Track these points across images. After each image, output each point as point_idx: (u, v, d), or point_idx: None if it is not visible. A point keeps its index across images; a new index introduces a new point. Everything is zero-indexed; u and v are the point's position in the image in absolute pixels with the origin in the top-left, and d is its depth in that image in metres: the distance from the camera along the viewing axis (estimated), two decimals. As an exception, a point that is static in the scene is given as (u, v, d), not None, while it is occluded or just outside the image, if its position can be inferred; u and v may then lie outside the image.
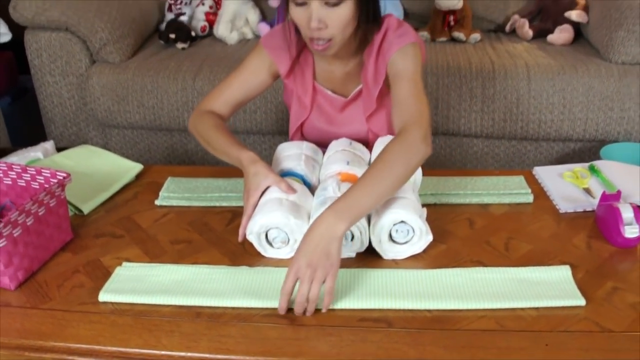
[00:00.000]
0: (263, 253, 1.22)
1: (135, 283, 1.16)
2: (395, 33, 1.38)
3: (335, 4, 1.25)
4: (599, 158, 2.04)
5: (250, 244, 1.23)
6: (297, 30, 1.37)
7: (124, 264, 1.22)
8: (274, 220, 1.18)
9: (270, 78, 1.49)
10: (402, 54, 1.36)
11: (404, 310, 1.07)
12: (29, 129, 2.78)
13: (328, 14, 1.26)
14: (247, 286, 1.13)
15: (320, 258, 1.04)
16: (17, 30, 2.38)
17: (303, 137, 1.56)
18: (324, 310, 1.05)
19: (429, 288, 1.11)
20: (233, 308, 1.08)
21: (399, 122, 1.26)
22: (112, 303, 1.11)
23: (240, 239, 1.24)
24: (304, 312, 1.05)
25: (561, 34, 2.46)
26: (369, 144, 1.47)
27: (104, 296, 1.12)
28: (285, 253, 1.21)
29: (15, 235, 1.13)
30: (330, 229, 1.07)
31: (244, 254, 1.23)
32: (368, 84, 1.43)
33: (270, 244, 1.22)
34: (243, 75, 1.48)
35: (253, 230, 1.20)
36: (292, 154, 1.39)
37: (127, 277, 1.18)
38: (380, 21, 1.40)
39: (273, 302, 1.07)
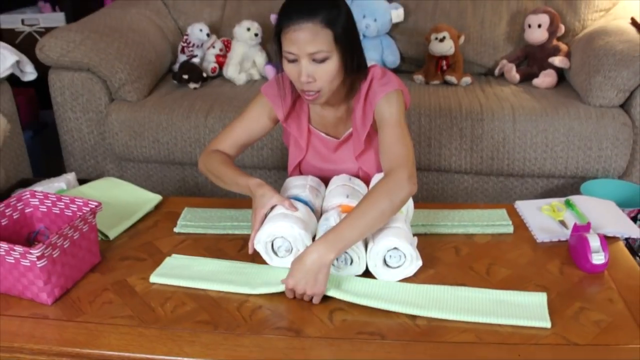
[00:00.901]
0: (269, 262, 1.37)
1: (182, 270, 1.37)
2: (380, 82, 1.50)
3: (322, 61, 1.37)
4: (580, 193, 2.15)
5: (260, 262, 1.38)
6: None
7: (173, 255, 1.43)
8: (280, 230, 1.33)
9: (270, 122, 1.62)
10: (387, 100, 1.47)
11: (395, 324, 1.20)
12: (48, 161, 2.87)
13: (316, 69, 1.38)
14: (270, 279, 1.33)
15: (308, 282, 1.24)
16: (40, 68, 2.46)
17: (301, 174, 1.68)
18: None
19: (417, 299, 1.26)
20: (247, 321, 1.22)
21: (387, 165, 1.39)
22: (159, 286, 1.34)
23: (250, 251, 1.40)
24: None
25: (545, 78, 2.56)
26: (361, 180, 1.61)
27: (154, 279, 1.34)
28: (289, 262, 1.32)
29: (54, 256, 1.27)
30: (322, 257, 1.24)
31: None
32: (357, 127, 1.55)
33: (275, 253, 1.36)
34: (246, 121, 1.61)
35: (261, 239, 1.35)
36: (299, 184, 1.53)
37: (173, 265, 1.39)
38: (367, 71, 1.51)
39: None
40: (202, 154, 1.61)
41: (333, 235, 1.26)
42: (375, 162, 1.60)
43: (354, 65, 1.45)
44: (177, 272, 1.36)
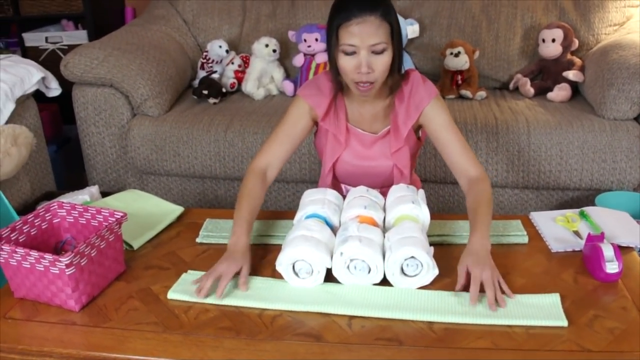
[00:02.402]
0: (290, 283, 1.39)
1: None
2: (424, 86, 1.62)
3: (381, 52, 1.48)
4: (594, 205, 2.14)
5: (280, 275, 1.40)
6: (332, 80, 1.62)
7: (189, 271, 1.44)
8: (301, 253, 1.36)
9: (310, 122, 1.67)
10: (436, 105, 1.61)
11: (413, 330, 1.23)
12: (71, 175, 2.94)
13: (375, 60, 1.48)
14: (290, 295, 1.35)
15: (488, 266, 1.33)
16: (63, 84, 2.52)
17: (335, 173, 1.73)
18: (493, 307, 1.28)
19: (433, 305, 1.29)
20: (268, 327, 1.25)
21: (464, 165, 1.58)
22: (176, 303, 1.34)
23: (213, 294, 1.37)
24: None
25: (560, 92, 2.58)
26: (393, 178, 1.69)
27: (172, 295, 1.36)
28: (310, 283, 1.38)
29: (82, 264, 1.31)
30: (484, 245, 1.38)
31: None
32: (398, 124, 1.64)
33: (296, 274, 1.39)
34: (287, 126, 1.66)
35: (282, 262, 1.38)
36: (316, 198, 1.56)
37: (190, 281, 1.40)
38: (405, 74, 1.64)
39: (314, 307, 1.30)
40: (247, 170, 1.64)
41: (481, 229, 1.41)
42: (408, 159, 1.68)
43: (400, 60, 1.56)
44: (195, 288, 1.37)
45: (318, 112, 1.65)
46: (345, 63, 1.50)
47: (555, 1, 2.84)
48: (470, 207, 1.50)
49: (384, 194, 1.66)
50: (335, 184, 1.78)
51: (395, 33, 1.50)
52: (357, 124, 1.69)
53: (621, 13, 2.78)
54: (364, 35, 1.45)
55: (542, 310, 1.27)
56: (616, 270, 1.36)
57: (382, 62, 1.49)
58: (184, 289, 1.37)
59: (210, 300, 1.33)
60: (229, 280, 1.36)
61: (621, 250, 1.42)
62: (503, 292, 1.31)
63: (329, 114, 1.66)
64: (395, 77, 1.60)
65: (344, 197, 1.64)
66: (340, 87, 1.63)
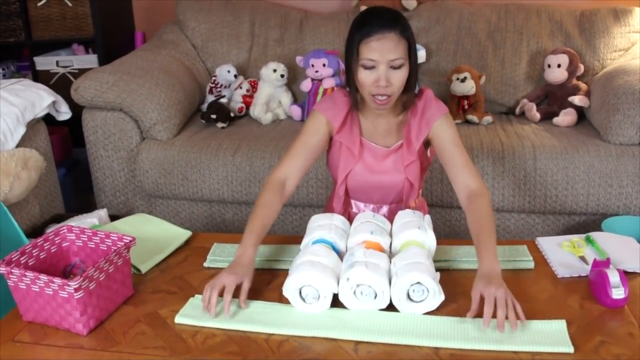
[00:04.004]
0: (297, 308, 1.39)
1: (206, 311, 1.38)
2: (437, 103, 1.69)
3: (399, 67, 1.55)
4: (601, 230, 2.16)
5: (287, 300, 1.40)
6: (347, 95, 1.69)
7: (196, 295, 1.44)
8: (308, 279, 1.36)
9: (327, 135, 1.71)
10: (445, 122, 1.67)
11: (419, 356, 1.23)
12: (80, 197, 2.95)
13: (393, 74, 1.55)
14: (296, 320, 1.35)
15: (503, 291, 1.32)
16: (73, 108, 2.52)
17: (347, 186, 1.76)
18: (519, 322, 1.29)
19: (440, 330, 1.30)
20: (275, 352, 1.26)
21: (467, 181, 1.60)
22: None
23: (242, 304, 1.40)
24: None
25: (566, 117, 2.60)
26: (403, 192, 1.72)
27: (180, 319, 1.35)
28: (316, 308, 1.38)
29: (90, 288, 1.32)
30: (495, 269, 1.38)
31: None
32: (411, 139, 1.69)
33: (303, 299, 1.39)
34: (304, 138, 1.69)
35: (289, 287, 1.39)
36: (323, 224, 1.57)
37: (197, 305, 1.40)
38: (420, 91, 1.71)
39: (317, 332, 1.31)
40: (265, 180, 1.66)
41: (489, 252, 1.42)
42: (419, 173, 1.73)
43: (415, 77, 1.63)
44: (202, 312, 1.38)
45: (334, 124, 1.70)
46: (365, 77, 1.56)
47: (561, 27, 2.87)
48: (473, 227, 1.51)
49: (393, 211, 1.68)
50: (346, 201, 1.81)
51: (412, 50, 1.57)
52: (371, 138, 1.73)
53: (626, 39, 2.80)
54: (383, 51, 1.52)
55: (548, 336, 1.27)
56: (622, 296, 1.36)
57: (400, 77, 1.56)
58: (191, 314, 1.38)
59: (217, 324, 1.34)
60: (232, 293, 1.37)
61: (627, 276, 1.42)
62: (517, 316, 1.30)
63: (344, 127, 1.71)
64: (410, 94, 1.66)
65: (351, 217, 1.66)
66: (355, 101, 1.68)
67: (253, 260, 1.46)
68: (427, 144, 1.73)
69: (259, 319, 1.35)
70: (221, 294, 1.37)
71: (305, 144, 1.69)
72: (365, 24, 1.55)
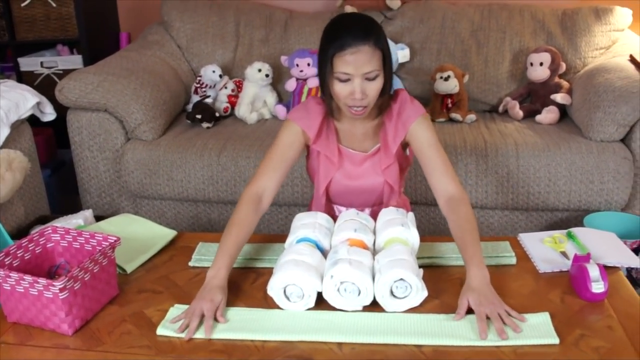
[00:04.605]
0: (282, 306, 1.40)
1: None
2: (412, 105, 1.67)
3: (373, 79, 1.53)
4: (583, 226, 2.19)
5: (272, 299, 1.41)
6: (321, 103, 1.68)
7: (176, 305, 1.42)
8: (292, 278, 1.37)
9: (302, 145, 1.69)
10: (422, 123, 1.65)
11: (402, 352, 1.25)
12: (65, 199, 2.94)
13: (368, 85, 1.54)
14: (279, 324, 1.35)
15: (492, 301, 1.34)
16: (58, 109, 2.49)
17: (328, 193, 1.76)
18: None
19: (423, 328, 1.31)
20: (260, 350, 1.27)
21: (446, 184, 1.60)
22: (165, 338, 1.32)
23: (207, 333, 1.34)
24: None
25: (548, 115, 2.62)
26: (383, 195, 1.72)
27: (161, 331, 1.33)
28: (301, 306, 1.39)
29: (75, 288, 1.32)
30: (485, 277, 1.39)
31: (267, 307, 1.41)
32: (388, 142, 1.68)
33: (287, 298, 1.40)
34: (279, 149, 1.67)
35: (274, 286, 1.40)
36: (307, 222, 1.58)
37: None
38: (394, 93, 1.69)
39: (295, 336, 1.30)
40: (242, 193, 1.64)
41: (476, 258, 1.43)
42: (398, 175, 1.73)
43: (390, 83, 1.62)
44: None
45: (309, 134, 1.68)
46: (340, 89, 1.55)
47: (543, 26, 2.89)
48: (457, 234, 1.51)
49: (375, 213, 1.69)
50: (328, 205, 1.80)
51: (386, 59, 1.55)
52: (348, 144, 1.72)
53: (607, 37, 2.83)
54: (358, 64, 1.50)
55: (533, 329, 1.29)
56: (602, 290, 1.38)
57: (375, 88, 1.55)
58: (172, 325, 1.35)
59: (199, 334, 1.32)
60: (212, 318, 1.35)
61: (607, 270, 1.44)
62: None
63: (321, 136, 1.69)
64: (385, 98, 1.65)
65: (336, 218, 1.66)
66: (330, 109, 1.67)
67: (225, 282, 1.45)
68: (405, 145, 1.74)
69: (243, 326, 1.34)
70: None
71: (281, 156, 1.67)
72: (338, 37, 1.51)
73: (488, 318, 1.31)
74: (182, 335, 1.31)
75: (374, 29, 1.54)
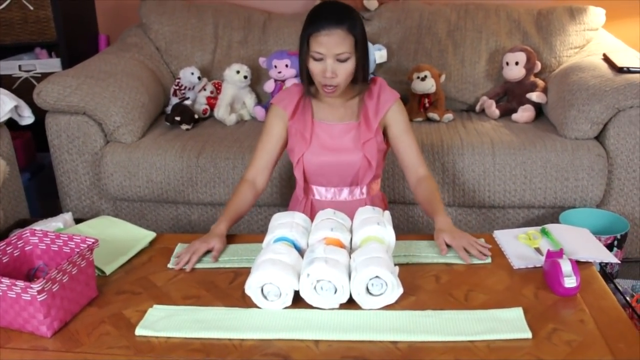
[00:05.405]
0: (260, 305, 1.42)
1: (167, 321, 1.37)
2: (390, 89, 1.87)
3: (344, 60, 1.70)
4: (559, 222, 2.22)
5: (250, 298, 1.42)
6: (298, 86, 1.86)
7: (155, 306, 1.43)
8: (268, 276, 1.39)
9: (286, 124, 1.85)
10: (398, 108, 1.85)
11: (378, 348, 1.27)
12: (45, 202, 2.92)
13: (339, 67, 1.70)
14: (257, 323, 1.36)
15: (465, 236, 1.64)
16: (36, 112, 2.49)
17: (305, 171, 1.87)
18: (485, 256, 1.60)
19: (399, 325, 1.33)
20: (237, 349, 1.28)
21: (417, 164, 1.85)
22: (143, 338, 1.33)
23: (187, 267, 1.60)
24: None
25: (524, 113, 2.66)
26: (359, 172, 1.86)
27: (140, 331, 1.34)
28: (278, 305, 1.41)
29: (53, 290, 1.33)
30: (449, 221, 1.69)
31: (245, 307, 1.43)
32: (368, 116, 1.83)
33: (265, 297, 1.42)
34: (267, 134, 1.87)
35: (251, 285, 1.41)
36: (285, 222, 1.60)
37: (158, 316, 1.39)
38: (372, 79, 1.87)
39: (276, 334, 1.32)
40: (241, 178, 1.88)
41: (440, 209, 1.72)
42: (377, 151, 1.85)
43: (365, 67, 1.78)
44: (163, 323, 1.37)
45: (287, 112, 1.82)
46: (314, 67, 1.72)
47: (519, 25, 2.93)
48: (425, 196, 1.79)
49: (353, 195, 1.85)
50: (307, 188, 1.91)
51: (359, 44, 1.71)
52: (326, 119, 1.84)
53: (581, 36, 2.88)
54: (330, 45, 1.67)
55: (506, 324, 1.31)
56: (574, 285, 1.41)
57: (346, 69, 1.71)
58: (151, 325, 1.36)
59: (178, 333, 1.33)
60: (200, 255, 1.62)
61: (580, 266, 1.47)
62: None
63: (296, 113, 1.85)
64: (362, 83, 1.81)
65: (314, 205, 1.81)
66: (307, 89, 1.83)
67: (224, 233, 1.69)
68: (384, 129, 1.86)
69: (220, 325, 1.35)
70: None
71: (269, 138, 1.86)
72: (316, 20, 1.69)
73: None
74: (161, 334, 1.33)
75: (349, 16, 1.70)
